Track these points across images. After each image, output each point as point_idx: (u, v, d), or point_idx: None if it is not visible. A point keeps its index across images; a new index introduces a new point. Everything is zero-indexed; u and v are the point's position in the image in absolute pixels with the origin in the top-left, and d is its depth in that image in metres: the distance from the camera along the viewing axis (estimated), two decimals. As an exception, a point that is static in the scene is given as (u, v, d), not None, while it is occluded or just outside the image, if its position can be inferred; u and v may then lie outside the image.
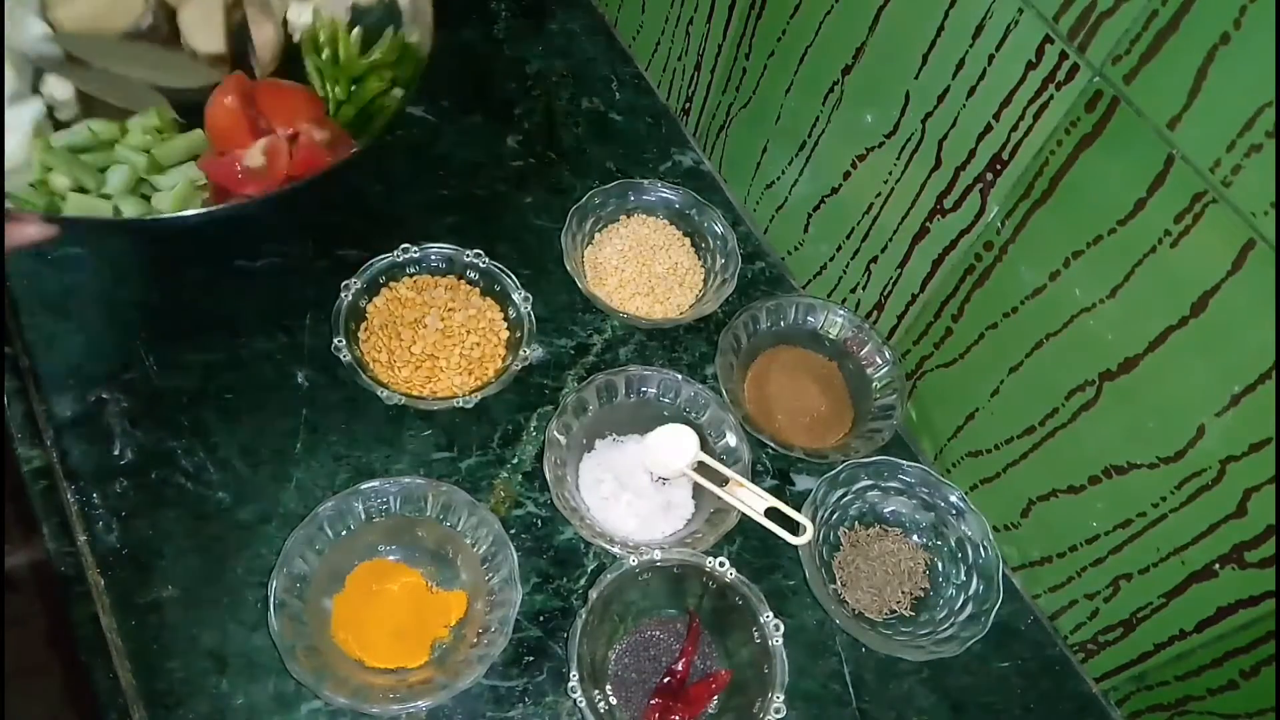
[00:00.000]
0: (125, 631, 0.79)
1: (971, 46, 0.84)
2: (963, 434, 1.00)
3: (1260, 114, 0.65)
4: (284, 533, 0.83)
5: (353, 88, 0.99)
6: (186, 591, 0.82)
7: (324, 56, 1.01)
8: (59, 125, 0.91)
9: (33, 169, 0.87)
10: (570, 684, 0.77)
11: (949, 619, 0.93)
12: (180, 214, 0.85)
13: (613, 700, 0.83)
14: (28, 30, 0.91)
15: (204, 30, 0.94)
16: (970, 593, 0.93)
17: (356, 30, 1.02)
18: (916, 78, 0.90)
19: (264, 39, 0.97)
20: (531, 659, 0.85)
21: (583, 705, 0.77)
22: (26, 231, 0.78)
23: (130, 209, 0.87)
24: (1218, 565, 0.80)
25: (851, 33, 0.95)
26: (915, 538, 0.98)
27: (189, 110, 0.92)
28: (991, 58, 0.82)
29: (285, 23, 1.00)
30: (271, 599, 0.78)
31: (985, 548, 0.94)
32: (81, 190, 0.87)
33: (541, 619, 0.87)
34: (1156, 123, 0.72)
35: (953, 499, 0.96)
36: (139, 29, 0.95)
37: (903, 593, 0.95)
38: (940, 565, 0.96)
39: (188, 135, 0.91)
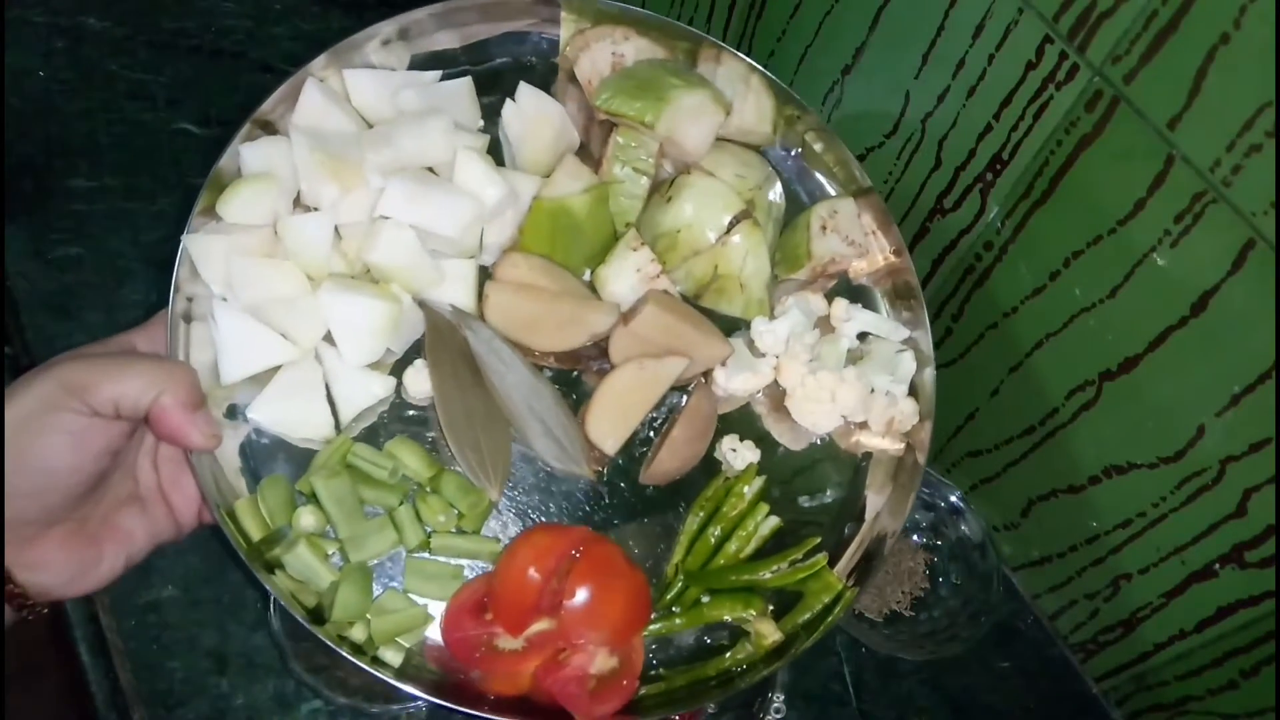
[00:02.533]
0: (125, 631, 0.79)
1: (971, 46, 0.83)
2: (962, 434, 1.00)
3: (1260, 114, 0.65)
4: (284, 533, 0.83)
5: (704, 600, 0.72)
6: (186, 591, 0.82)
7: (708, 532, 0.74)
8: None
9: (316, 470, 0.68)
10: (570, 684, 0.77)
11: (949, 619, 0.92)
12: (398, 685, 0.63)
13: (613, 700, 0.82)
14: (445, 289, 0.74)
15: (610, 423, 0.73)
16: (970, 593, 0.93)
17: (772, 522, 0.75)
18: (916, 78, 0.90)
19: (669, 465, 0.75)
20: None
21: (583, 705, 0.77)
22: (190, 435, 0.61)
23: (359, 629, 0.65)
24: (1218, 565, 0.80)
25: (851, 33, 0.95)
26: (915, 538, 0.98)
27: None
28: (991, 58, 0.82)
29: (713, 449, 0.77)
30: (272, 598, 0.78)
31: (985, 547, 0.94)
32: (318, 544, 0.66)
33: (541, 619, 0.87)
34: (1156, 123, 0.72)
35: (953, 499, 0.96)
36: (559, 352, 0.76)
37: (903, 593, 0.95)
38: (940, 565, 0.96)
39: (484, 543, 0.69)
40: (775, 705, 0.79)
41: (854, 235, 0.81)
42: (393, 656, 0.65)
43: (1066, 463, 0.90)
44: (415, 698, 0.64)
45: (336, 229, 0.72)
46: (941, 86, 0.88)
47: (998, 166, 0.86)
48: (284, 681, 0.79)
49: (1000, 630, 0.92)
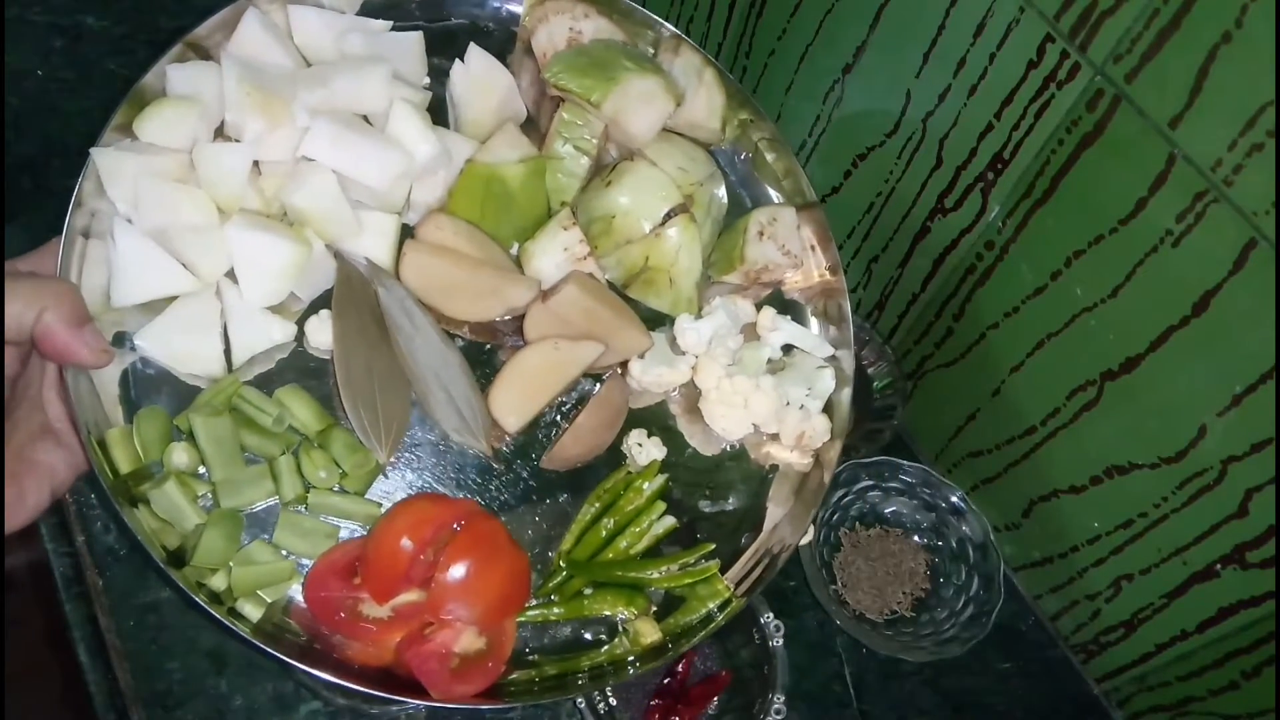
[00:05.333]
0: (124, 632, 0.79)
1: (973, 45, 0.83)
2: (963, 434, 1.00)
3: (1262, 113, 0.65)
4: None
5: (587, 592, 0.70)
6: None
7: (602, 523, 0.72)
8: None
9: (198, 407, 0.65)
10: (570, 685, 0.77)
11: (950, 620, 0.92)
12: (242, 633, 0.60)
13: (613, 701, 0.82)
14: (363, 241, 0.72)
15: (515, 400, 0.71)
16: (971, 594, 0.93)
17: (667, 522, 0.73)
18: (917, 77, 0.90)
19: (571, 451, 0.73)
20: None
21: (582, 706, 0.77)
22: (78, 351, 0.58)
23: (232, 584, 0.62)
24: (1219, 565, 0.80)
25: (852, 32, 0.95)
26: (916, 538, 0.98)
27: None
28: (993, 57, 0.82)
29: (620, 441, 0.75)
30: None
31: (987, 548, 0.94)
32: (188, 484, 0.64)
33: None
34: (1158, 122, 0.72)
35: (954, 499, 0.96)
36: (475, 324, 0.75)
37: (904, 594, 0.95)
38: (941, 566, 0.96)
39: (363, 505, 0.67)
40: (776, 706, 0.78)
41: (791, 245, 0.80)
42: (252, 610, 0.62)
43: (1068, 463, 0.90)
44: (280, 661, 0.60)
45: (256, 164, 0.69)
46: (942, 85, 0.88)
47: (999, 166, 0.86)
48: (283, 682, 0.79)
49: (1002, 631, 0.92)
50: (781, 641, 0.81)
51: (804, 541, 0.88)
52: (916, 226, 0.97)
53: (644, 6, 0.82)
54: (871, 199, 1.01)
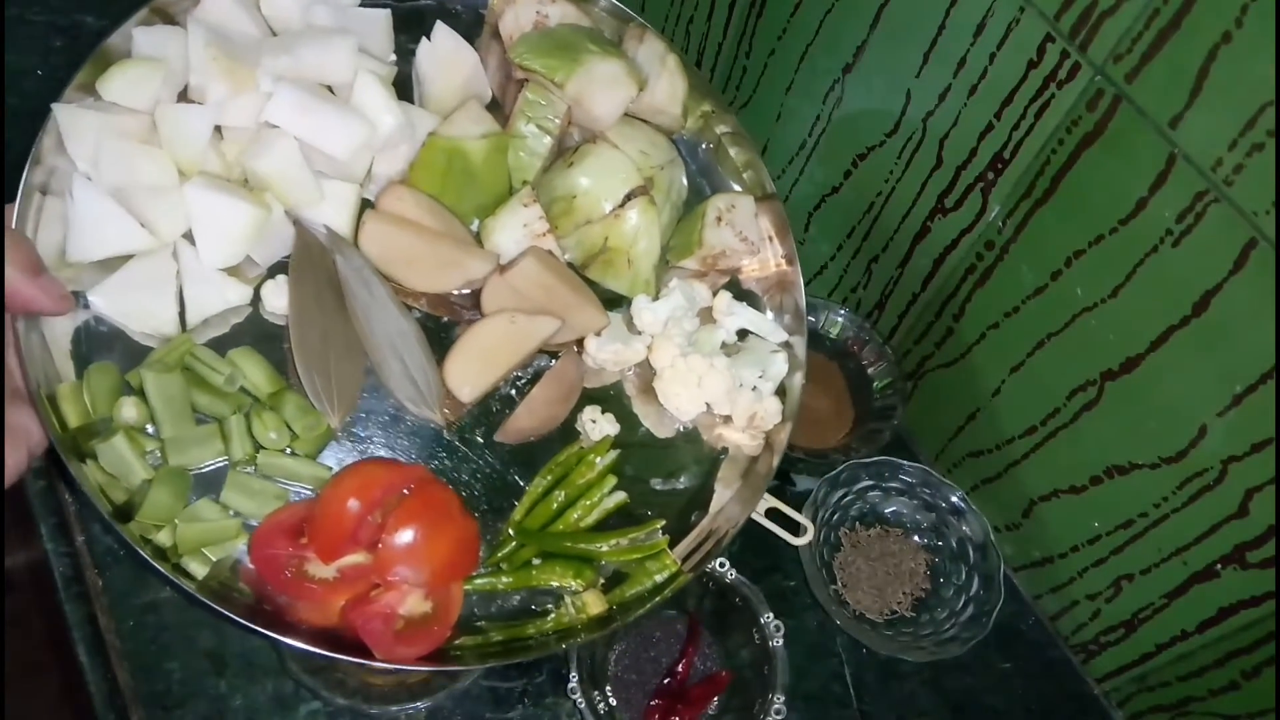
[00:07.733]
0: (123, 632, 0.79)
1: (973, 45, 0.83)
2: (964, 434, 1.00)
3: (1262, 113, 0.65)
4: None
5: (535, 563, 0.70)
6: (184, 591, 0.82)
7: (553, 495, 0.72)
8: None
9: (149, 364, 0.65)
10: (570, 685, 0.77)
11: (950, 620, 0.92)
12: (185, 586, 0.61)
13: (613, 701, 0.82)
14: (323, 209, 0.72)
15: (470, 371, 0.72)
16: (971, 594, 0.93)
17: (618, 497, 0.73)
18: (917, 76, 0.90)
19: (524, 424, 0.73)
20: (531, 660, 0.85)
21: (582, 706, 0.77)
22: (37, 298, 0.59)
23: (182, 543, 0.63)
24: (1219, 565, 0.80)
25: (852, 31, 0.95)
26: (916, 538, 0.98)
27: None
28: (993, 56, 0.82)
29: (576, 418, 0.75)
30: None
31: (986, 548, 0.94)
32: (136, 439, 0.63)
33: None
34: (1158, 121, 0.72)
35: (954, 499, 0.96)
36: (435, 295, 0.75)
37: (904, 594, 0.95)
38: (941, 566, 0.96)
39: (312, 468, 0.67)
40: (776, 706, 0.78)
41: (748, 232, 0.81)
42: (197, 568, 0.62)
43: (1068, 463, 0.90)
44: (226, 618, 0.60)
45: (219, 129, 0.70)
46: (943, 85, 0.88)
47: (999, 165, 0.86)
48: (282, 682, 0.79)
49: (1001, 631, 0.92)
50: (781, 641, 0.81)
51: (804, 541, 0.88)
52: (916, 226, 0.97)
53: (641, 9, 0.83)
54: (871, 199, 1.01)
